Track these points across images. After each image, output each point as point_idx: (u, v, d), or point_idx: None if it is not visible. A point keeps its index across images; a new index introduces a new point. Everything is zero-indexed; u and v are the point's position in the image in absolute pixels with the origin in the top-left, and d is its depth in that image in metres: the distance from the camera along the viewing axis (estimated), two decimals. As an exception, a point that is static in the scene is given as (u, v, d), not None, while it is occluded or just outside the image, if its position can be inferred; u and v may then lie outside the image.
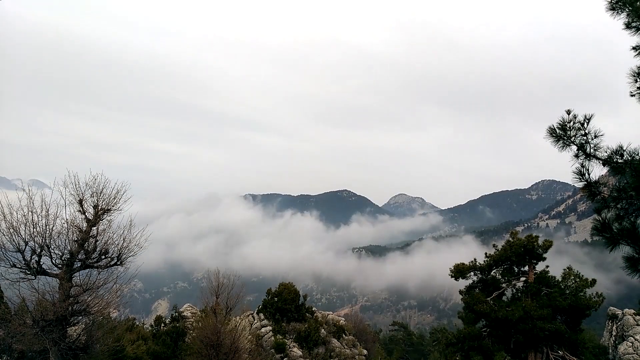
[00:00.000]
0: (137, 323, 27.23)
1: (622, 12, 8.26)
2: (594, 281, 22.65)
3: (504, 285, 23.12)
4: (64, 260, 12.90)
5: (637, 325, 23.47)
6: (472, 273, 23.79)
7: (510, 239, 23.33)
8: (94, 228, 13.50)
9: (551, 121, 8.50)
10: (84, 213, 13.39)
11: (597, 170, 8.39)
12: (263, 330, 28.78)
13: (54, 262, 12.83)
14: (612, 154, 8.13)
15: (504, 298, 23.23)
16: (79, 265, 13.25)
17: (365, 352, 32.59)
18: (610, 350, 24.42)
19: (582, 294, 21.59)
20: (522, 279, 22.86)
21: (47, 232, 12.41)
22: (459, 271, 23.63)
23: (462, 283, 24.53)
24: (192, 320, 25.61)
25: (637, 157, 7.88)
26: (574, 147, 8.37)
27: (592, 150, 8.26)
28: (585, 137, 8.26)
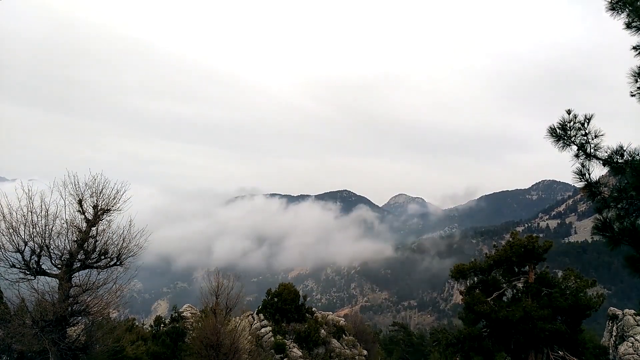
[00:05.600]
0: (137, 323, 27.21)
1: (623, 12, 8.26)
2: (594, 282, 22.63)
3: (504, 285, 23.09)
4: (64, 260, 12.88)
5: (638, 325, 23.44)
6: (472, 273, 23.76)
7: (511, 239, 23.30)
8: (94, 228, 13.48)
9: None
10: (83, 213, 13.37)
11: (598, 171, 8.37)
12: (263, 330, 28.74)
13: (53, 262, 12.82)
14: (612, 154, 8.11)
15: (504, 298, 23.19)
16: (78, 265, 13.23)
17: (365, 352, 32.57)
18: (611, 351, 24.39)
19: (582, 294, 21.56)
20: (523, 279, 22.82)
21: (47, 232, 12.39)
22: (459, 271, 23.60)
23: (463, 283, 24.52)
24: (191, 320, 25.58)
25: (638, 157, 7.86)
26: (574, 147, 8.35)
27: (592, 150, 8.24)
28: (585, 137, 8.24)
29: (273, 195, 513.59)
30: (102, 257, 13.54)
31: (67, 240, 12.89)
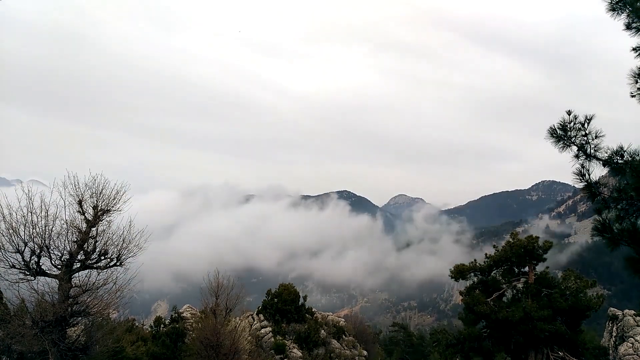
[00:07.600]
0: (137, 324, 27.18)
1: (623, 13, 8.26)
2: (594, 282, 22.65)
3: (504, 286, 23.09)
4: (64, 261, 12.88)
5: (638, 326, 23.44)
6: (472, 274, 23.78)
7: (511, 239, 23.31)
8: (94, 229, 13.48)
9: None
10: (83, 214, 13.37)
11: (598, 171, 8.38)
12: (263, 331, 28.73)
13: (53, 262, 12.81)
14: (612, 154, 8.11)
15: (504, 299, 23.20)
16: (78, 266, 13.23)
17: (365, 353, 32.56)
18: (611, 351, 24.38)
19: (582, 294, 21.57)
20: (523, 279, 22.84)
21: (47, 232, 12.39)
22: (459, 272, 23.61)
23: (462, 284, 24.53)
24: (191, 321, 25.55)
25: (638, 158, 7.86)
26: (575, 148, 8.35)
27: (592, 151, 8.24)
28: (585, 138, 8.24)
29: (276, 195, 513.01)
30: (102, 258, 13.54)
31: (67, 241, 12.89)
